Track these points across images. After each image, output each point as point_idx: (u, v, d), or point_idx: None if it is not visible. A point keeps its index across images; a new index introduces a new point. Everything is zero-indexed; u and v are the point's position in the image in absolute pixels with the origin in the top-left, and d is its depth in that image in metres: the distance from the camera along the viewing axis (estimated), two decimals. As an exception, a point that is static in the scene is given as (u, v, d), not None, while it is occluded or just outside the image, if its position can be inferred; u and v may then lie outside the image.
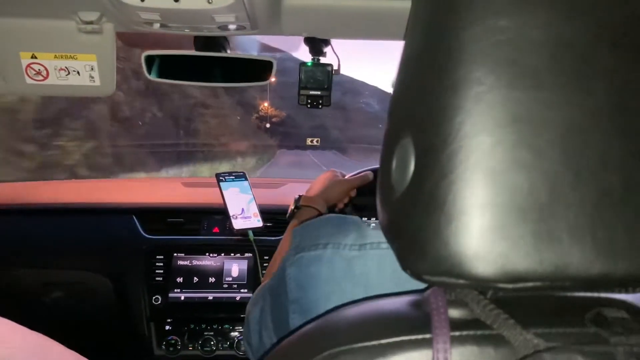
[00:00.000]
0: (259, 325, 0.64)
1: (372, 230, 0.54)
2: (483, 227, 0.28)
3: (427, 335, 0.31)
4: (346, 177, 1.11)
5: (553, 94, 0.28)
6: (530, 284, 0.28)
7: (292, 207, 1.01)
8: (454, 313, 0.32)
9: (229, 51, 1.00)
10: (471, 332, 0.31)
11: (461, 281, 0.29)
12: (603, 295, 0.34)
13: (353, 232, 0.54)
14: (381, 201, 0.35)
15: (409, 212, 0.31)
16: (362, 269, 0.51)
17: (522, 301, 0.33)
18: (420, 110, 0.31)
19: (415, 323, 0.33)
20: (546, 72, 0.28)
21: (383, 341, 0.32)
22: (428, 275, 0.30)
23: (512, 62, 0.28)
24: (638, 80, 0.28)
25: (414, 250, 0.31)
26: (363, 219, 1.31)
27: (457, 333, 0.31)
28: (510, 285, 0.28)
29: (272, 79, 1.03)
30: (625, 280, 0.29)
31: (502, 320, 0.30)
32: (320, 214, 0.98)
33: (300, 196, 1.02)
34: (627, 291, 0.30)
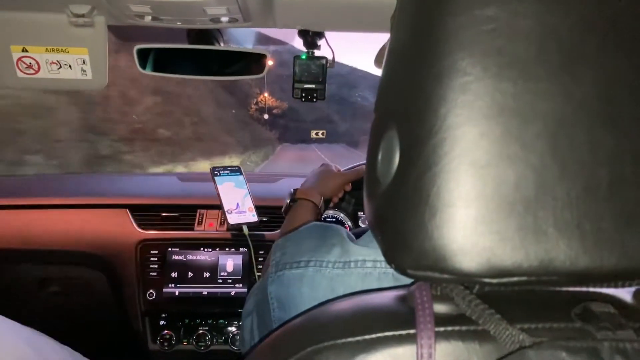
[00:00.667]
0: (250, 335, 0.64)
1: (356, 246, 0.53)
2: (468, 221, 0.27)
3: (412, 331, 0.31)
4: (341, 171, 1.10)
5: (541, 85, 0.27)
6: (515, 279, 0.28)
7: (288, 201, 1.01)
8: (439, 308, 0.32)
9: (222, 44, 1.00)
10: (456, 328, 0.31)
11: (445, 276, 0.28)
12: (591, 289, 0.34)
13: (336, 247, 0.53)
14: (367, 194, 0.35)
15: (394, 205, 0.30)
16: (345, 289, 0.50)
17: (509, 296, 0.33)
18: (406, 102, 0.31)
19: (399, 318, 0.32)
20: (534, 63, 0.27)
21: (367, 337, 0.31)
22: (412, 269, 0.30)
23: (499, 52, 0.27)
24: (626, 71, 0.28)
25: (398, 244, 0.30)
26: (359, 213, 1.31)
27: (441, 329, 0.31)
28: (495, 280, 0.28)
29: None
30: (612, 275, 0.28)
31: (487, 316, 0.30)
32: (316, 207, 0.97)
33: (295, 190, 1.01)
34: (615, 285, 0.30)
